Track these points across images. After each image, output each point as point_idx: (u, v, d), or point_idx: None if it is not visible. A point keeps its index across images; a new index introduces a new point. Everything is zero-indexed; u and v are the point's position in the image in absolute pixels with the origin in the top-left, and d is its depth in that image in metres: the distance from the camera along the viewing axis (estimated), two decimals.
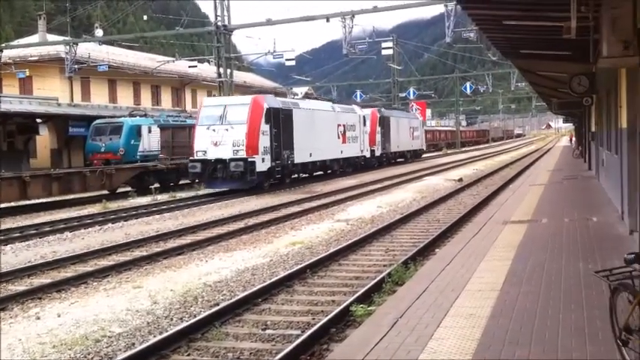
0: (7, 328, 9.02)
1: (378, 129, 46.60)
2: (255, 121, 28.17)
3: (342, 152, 38.62)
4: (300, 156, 32.29)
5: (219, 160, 27.99)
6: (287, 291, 10.44)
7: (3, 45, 47.26)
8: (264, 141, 28.50)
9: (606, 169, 17.15)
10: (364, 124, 42.82)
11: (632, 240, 10.01)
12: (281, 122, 30.11)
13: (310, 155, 33.60)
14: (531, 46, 15.22)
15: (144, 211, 22.86)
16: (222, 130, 28.17)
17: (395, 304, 7.44)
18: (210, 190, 29.56)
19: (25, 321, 9.39)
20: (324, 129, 35.57)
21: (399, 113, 56.13)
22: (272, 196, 27.49)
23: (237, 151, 27.79)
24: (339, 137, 38.05)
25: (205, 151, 28.30)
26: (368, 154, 43.91)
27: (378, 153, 46.60)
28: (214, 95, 34.82)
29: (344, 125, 38.80)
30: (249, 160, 27.64)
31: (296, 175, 33.50)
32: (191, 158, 28.96)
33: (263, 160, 28.41)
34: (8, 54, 43.76)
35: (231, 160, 27.65)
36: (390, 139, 49.25)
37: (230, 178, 27.88)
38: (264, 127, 28.53)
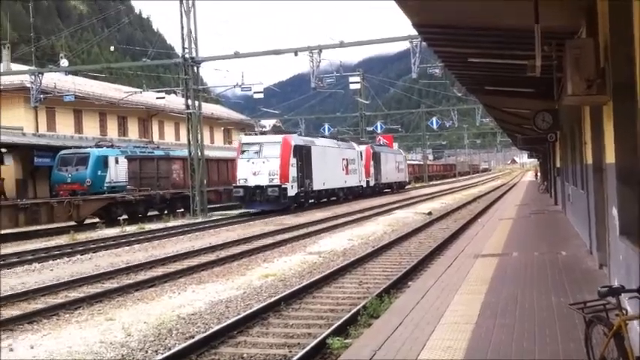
0: None
1: (372, 163, 52.56)
2: (286, 155, 34.69)
3: (345, 182, 45.62)
4: (317, 184, 39.06)
5: (257, 187, 34.24)
6: (262, 323, 10.42)
7: None
8: (293, 171, 35.08)
9: (573, 204, 17.47)
10: (361, 159, 49.30)
11: (601, 274, 10.23)
12: (303, 156, 36.86)
13: (324, 184, 40.48)
14: (496, 82, 15.63)
15: (113, 243, 22.65)
16: (259, 163, 34.53)
17: (372, 336, 7.47)
18: (180, 222, 31.25)
19: None
20: (333, 162, 42.59)
21: (387, 149, 63.03)
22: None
23: (273, 179, 34.07)
24: (343, 169, 45.02)
25: (246, 179, 34.49)
26: (364, 184, 50.69)
27: (372, 183, 52.87)
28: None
29: (347, 159, 45.85)
30: (283, 186, 34.12)
31: (312, 200, 39.87)
32: (235, 185, 35.23)
33: (292, 186, 34.89)
34: None
35: (268, 186, 34.01)
36: (381, 171, 55.39)
37: (267, 200, 34.06)
38: (292, 161, 35.19)
